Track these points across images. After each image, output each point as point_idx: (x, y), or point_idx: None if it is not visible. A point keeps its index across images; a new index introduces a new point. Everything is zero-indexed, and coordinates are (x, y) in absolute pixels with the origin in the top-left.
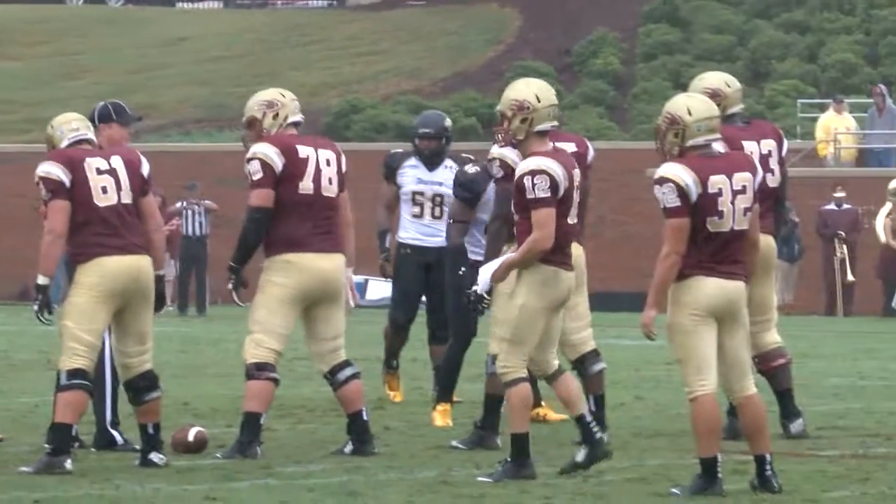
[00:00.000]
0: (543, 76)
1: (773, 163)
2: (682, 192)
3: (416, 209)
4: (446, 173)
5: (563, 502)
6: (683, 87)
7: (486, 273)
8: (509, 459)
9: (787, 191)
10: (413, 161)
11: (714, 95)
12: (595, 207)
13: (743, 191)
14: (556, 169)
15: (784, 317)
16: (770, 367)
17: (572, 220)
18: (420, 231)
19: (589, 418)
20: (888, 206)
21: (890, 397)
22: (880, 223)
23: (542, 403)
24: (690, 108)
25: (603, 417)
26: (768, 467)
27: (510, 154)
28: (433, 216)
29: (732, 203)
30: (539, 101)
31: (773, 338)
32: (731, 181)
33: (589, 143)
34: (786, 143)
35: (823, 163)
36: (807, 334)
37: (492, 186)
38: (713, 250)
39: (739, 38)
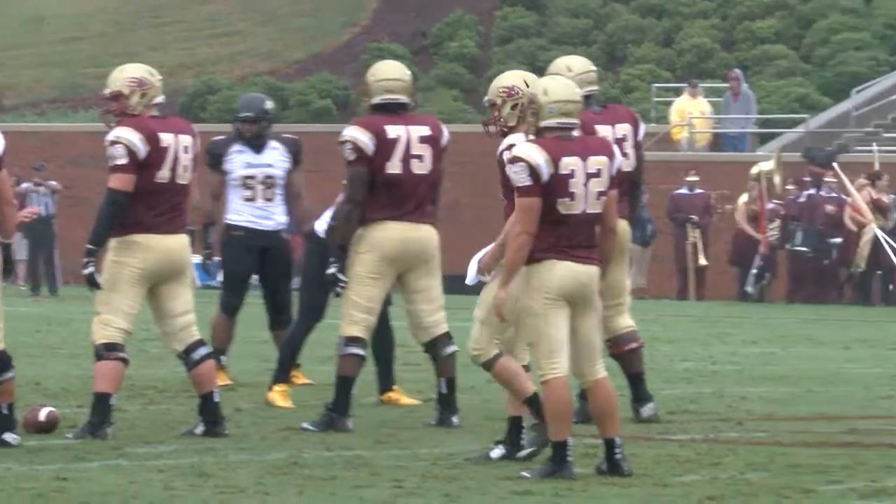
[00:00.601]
0: (399, 58)
1: (628, 147)
2: (533, 171)
3: (248, 193)
4: (274, 154)
5: (415, 484)
6: (539, 71)
7: (473, 264)
8: (526, 453)
9: (643, 175)
10: (238, 146)
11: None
12: (450, 191)
13: (597, 174)
14: (534, 156)
15: (636, 301)
16: (622, 351)
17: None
18: (254, 214)
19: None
20: (755, 190)
21: (741, 382)
22: (740, 207)
23: (395, 387)
24: (547, 90)
25: (454, 400)
26: (618, 451)
27: (362, 137)
28: (265, 199)
29: (585, 186)
30: (529, 87)
31: (625, 322)
32: (586, 164)
33: (443, 127)
34: (642, 127)
35: (677, 147)
36: (659, 318)
37: None
38: (566, 234)
39: (596, 22)
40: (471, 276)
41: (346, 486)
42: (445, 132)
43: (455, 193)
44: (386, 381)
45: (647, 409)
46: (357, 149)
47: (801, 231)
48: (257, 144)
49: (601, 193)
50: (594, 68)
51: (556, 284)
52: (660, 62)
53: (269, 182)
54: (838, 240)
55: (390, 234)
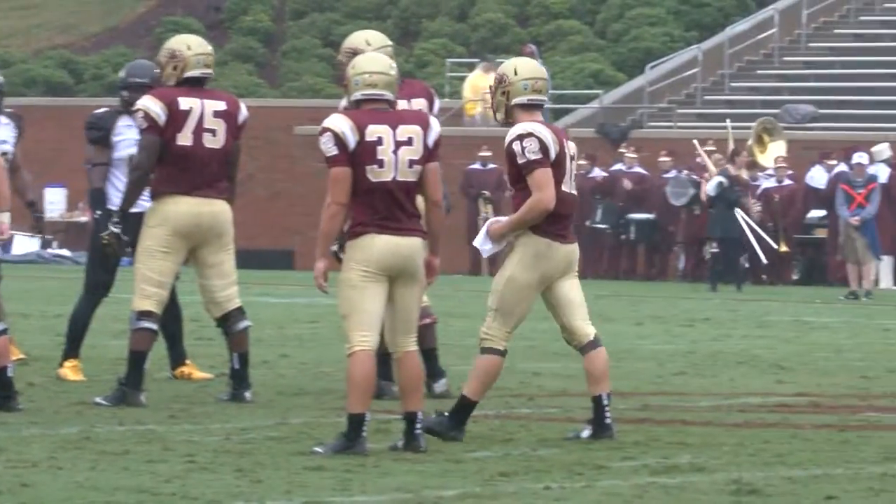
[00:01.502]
0: (194, 32)
1: None
2: (338, 139)
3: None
4: None
5: (207, 460)
6: (334, 45)
7: (482, 234)
8: (447, 417)
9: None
10: (127, 120)
11: (354, 54)
12: (244, 165)
13: (409, 142)
14: (543, 132)
15: None
16: None
17: (566, 187)
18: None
19: (605, 402)
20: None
21: (533, 358)
22: None
23: (187, 361)
24: (355, 63)
25: (247, 375)
26: (418, 426)
27: (154, 106)
28: None
29: (395, 153)
30: (516, 75)
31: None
32: (395, 132)
33: (241, 103)
34: (437, 102)
35: (470, 122)
36: (452, 294)
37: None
38: (382, 204)
39: None
40: (482, 242)
41: (138, 461)
42: (244, 109)
43: (248, 168)
44: (177, 355)
45: (440, 385)
46: (148, 117)
47: (602, 208)
48: None
49: (413, 162)
50: (390, 43)
51: (375, 258)
52: (454, 37)
53: None
54: (640, 216)
55: (181, 209)
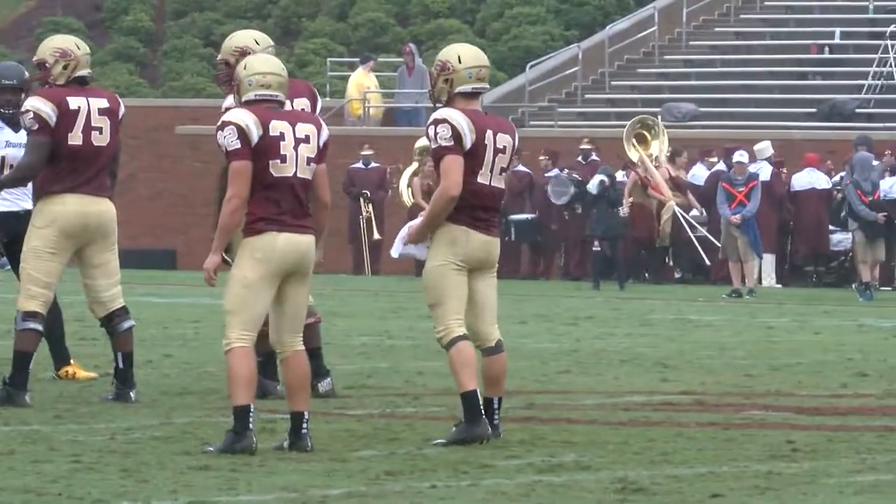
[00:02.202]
0: (74, 31)
1: None
2: (242, 133)
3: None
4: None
5: (93, 459)
6: (214, 45)
7: (397, 241)
8: (463, 420)
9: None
10: None
11: (243, 54)
12: (126, 165)
13: (307, 140)
14: (459, 120)
15: (313, 276)
16: None
17: (484, 179)
18: (15, 197)
19: (496, 405)
20: (414, 165)
21: (417, 357)
22: (404, 182)
23: (72, 361)
24: (247, 64)
25: (131, 375)
26: (305, 426)
27: (44, 107)
28: None
29: (296, 149)
30: (460, 63)
31: None
32: (294, 129)
33: (120, 101)
34: (320, 101)
35: (351, 121)
36: (335, 293)
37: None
38: (282, 200)
39: None
40: (397, 248)
41: (24, 461)
42: (122, 105)
43: (130, 167)
44: (60, 356)
45: (324, 384)
46: (39, 118)
47: None
48: (16, 120)
49: (310, 160)
50: (272, 43)
51: (277, 257)
52: (334, 36)
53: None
54: (519, 216)
55: (69, 209)
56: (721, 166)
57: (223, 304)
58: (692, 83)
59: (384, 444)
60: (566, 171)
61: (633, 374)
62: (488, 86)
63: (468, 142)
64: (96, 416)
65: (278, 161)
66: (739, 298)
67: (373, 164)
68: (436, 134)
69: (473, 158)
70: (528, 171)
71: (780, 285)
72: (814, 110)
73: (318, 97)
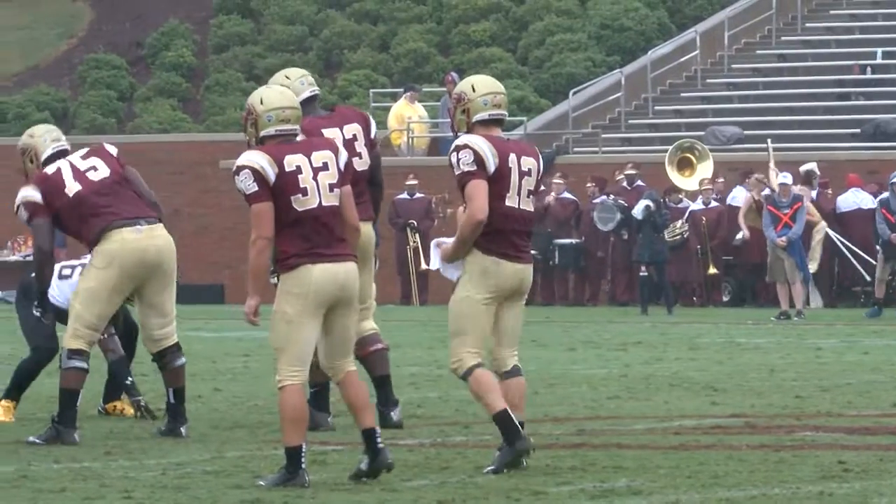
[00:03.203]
0: (116, 69)
1: (360, 146)
2: (258, 175)
3: None
4: None
5: (144, 495)
6: (257, 78)
7: (434, 252)
8: (504, 442)
9: (381, 173)
10: None
11: None
12: (171, 200)
13: (325, 167)
14: (481, 145)
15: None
16: (367, 353)
17: (512, 202)
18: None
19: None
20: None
21: (466, 386)
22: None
23: (122, 397)
24: (263, 99)
25: (183, 410)
26: (379, 439)
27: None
28: None
29: (315, 179)
30: (474, 91)
31: (370, 324)
32: (310, 159)
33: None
34: (373, 125)
35: (396, 152)
36: (383, 323)
37: None
38: (312, 233)
39: (311, 28)
40: (434, 261)
41: (75, 499)
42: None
43: (175, 202)
44: (114, 391)
45: (396, 413)
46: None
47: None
48: None
49: (333, 185)
50: (307, 72)
51: (313, 290)
52: (376, 67)
53: None
54: (566, 241)
55: (127, 246)
56: (766, 191)
57: (270, 342)
58: (735, 106)
59: (436, 474)
60: (612, 197)
61: (682, 397)
62: (505, 112)
63: (491, 165)
64: (147, 452)
65: (300, 195)
66: (788, 320)
67: (418, 195)
68: (458, 160)
69: (499, 182)
70: (574, 198)
71: (823, 306)
72: (857, 131)
73: (372, 121)
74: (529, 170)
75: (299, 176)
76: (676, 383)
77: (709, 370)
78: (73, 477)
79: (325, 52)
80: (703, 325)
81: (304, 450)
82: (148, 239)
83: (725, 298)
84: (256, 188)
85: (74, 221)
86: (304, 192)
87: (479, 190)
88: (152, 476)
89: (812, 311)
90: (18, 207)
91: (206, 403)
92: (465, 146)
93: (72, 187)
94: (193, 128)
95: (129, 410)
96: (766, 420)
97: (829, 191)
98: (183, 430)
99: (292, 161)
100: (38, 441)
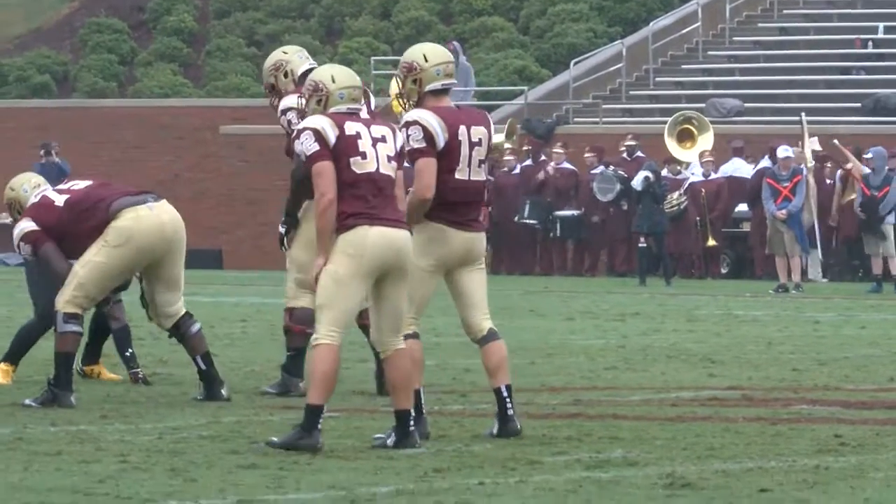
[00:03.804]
0: (117, 33)
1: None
2: (319, 136)
3: None
4: None
5: (140, 459)
6: (258, 44)
7: None
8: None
9: None
10: None
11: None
12: (170, 165)
13: (383, 140)
14: (430, 121)
15: None
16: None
17: (462, 175)
18: None
19: (505, 393)
20: None
21: (465, 354)
22: None
23: (99, 361)
24: (335, 76)
25: (216, 373)
26: (412, 423)
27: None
28: None
29: (374, 147)
30: (427, 61)
31: None
32: (370, 129)
33: None
34: (372, 98)
35: (398, 120)
36: None
37: None
38: (368, 195)
39: None
40: None
41: (71, 462)
42: None
43: (174, 167)
44: (93, 353)
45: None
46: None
47: (529, 203)
48: None
49: (390, 157)
50: (301, 48)
51: (369, 252)
52: (377, 35)
53: None
54: (565, 213)
55: (142, 223)
56: (765, 163)
57: (315, 299)
58: (736, 79)
59: (432, 441)
60: (611, 167)
61: (680, 369)
62: (455, 80)
63: (441, 141)
64: (143, 416)
65: (359, 158)
66: (786, 293)
67: None
68: (408, 136)
69: (449, 156)
70: (573, 168)
71: (825, 280)
72: (858, 105)
73: (370, 95)
74: (480, 139)
75: (359, 140)
76: (674, 355)
77: (706, 342)
78: (69, 440)
79: (326, 19)
80: (701, 296)
81: (323, 412)
82: (163, 213)
83: (724, 270)
84: (317, 147)
85: (76, 224)
86: (364, 155)
87: (427, 168)
88: (148, 440)
89: (810, 283)
90: (19, 246)
91: None
92: (416, 122)
93: (59, 199)
94: (194, 93)
95: (106, 375)
96: (762, 393)
97: (829, 165)
98: (224, 391)
99: (353, 127)
100: (34, 404)
